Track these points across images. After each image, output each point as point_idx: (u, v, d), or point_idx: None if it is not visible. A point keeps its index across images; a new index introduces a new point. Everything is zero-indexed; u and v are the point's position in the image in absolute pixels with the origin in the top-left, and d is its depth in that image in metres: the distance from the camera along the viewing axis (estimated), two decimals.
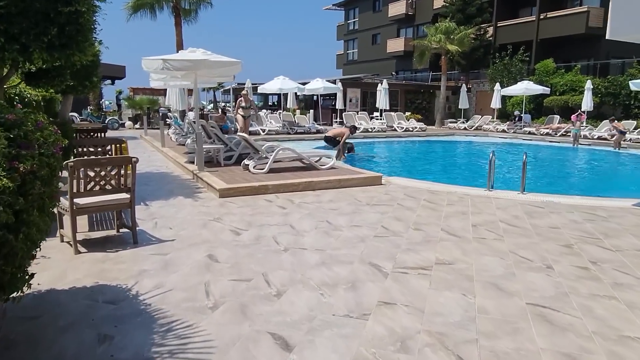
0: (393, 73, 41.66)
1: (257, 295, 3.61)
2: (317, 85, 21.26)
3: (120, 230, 5.25)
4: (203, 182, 8.24)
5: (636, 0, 6.16)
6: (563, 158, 15.74)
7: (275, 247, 4.85)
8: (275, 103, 46.46)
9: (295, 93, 23.18)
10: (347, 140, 13.06)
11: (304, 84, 21.75)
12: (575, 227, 5.75)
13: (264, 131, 19.73)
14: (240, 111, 15.17)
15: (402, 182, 9.02)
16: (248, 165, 8.97)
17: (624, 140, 16.93)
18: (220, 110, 22.27)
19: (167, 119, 19.28)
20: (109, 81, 29.19)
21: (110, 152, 6.44)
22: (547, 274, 4.12)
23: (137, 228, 5.03)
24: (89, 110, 25.47)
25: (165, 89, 18.59)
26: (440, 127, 27.70)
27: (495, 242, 5.08)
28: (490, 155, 8.20)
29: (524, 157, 7.95)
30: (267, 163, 8.87)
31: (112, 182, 4.71)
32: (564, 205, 7.09)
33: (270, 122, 22.15)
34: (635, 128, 18.67)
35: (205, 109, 33.24)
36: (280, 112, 23.82)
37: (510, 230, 5.57)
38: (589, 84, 21.46)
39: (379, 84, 25.91)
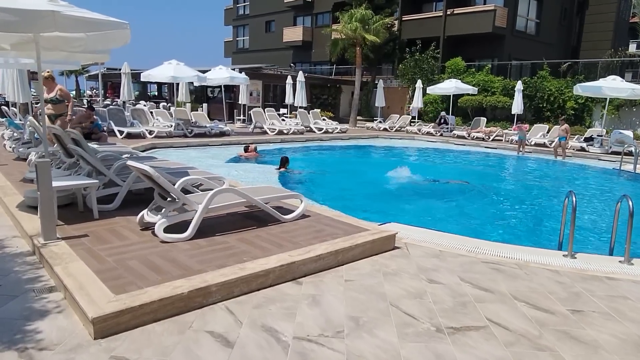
0: (292, 64, 38.13)
1: None
2: (221, 75, 16.76)
3: None
4: (54, 276, 3.79)
5: None
6: (540, 172, 13.51)
7: None
8: (156, 94, 40.22)
9: (192, 83, 18.36)
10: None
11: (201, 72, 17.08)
12: None
13: (151, 133, 14.73)
14: (48, 108, 8.45)
15: (418, 236, 5.52)
16: (150, 223, 4.65)
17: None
18: (86, 104, 16.68)
19: (3, 116, 13.33)
20: None
21: None
22: None
23: None
24: None
25: None
26: (355, 126, 24.88)
27: None
28: (573, 198, 5.05)
29: (630, 204, 4.90)
30: (191, 219, 4.66)
31: None
32: None
33: (157, 119, 17.12)
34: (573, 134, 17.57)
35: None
36: (169, 107, 18.81)
37: None
38: (519, 85, 20.27)
39: (289, 77, 22.15)
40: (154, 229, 4.61)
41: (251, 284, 3.81)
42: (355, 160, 15.21)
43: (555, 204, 8.72)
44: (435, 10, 30.75)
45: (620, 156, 12.72)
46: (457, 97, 24.64)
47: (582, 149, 15.64)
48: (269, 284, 3.94)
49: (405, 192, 9.29)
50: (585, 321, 3.54)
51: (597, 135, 15.71)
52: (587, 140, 16.19)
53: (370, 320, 3.42)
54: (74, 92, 42.44)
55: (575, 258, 5.00)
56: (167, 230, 4.55)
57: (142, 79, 14.95)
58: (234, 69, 20.98)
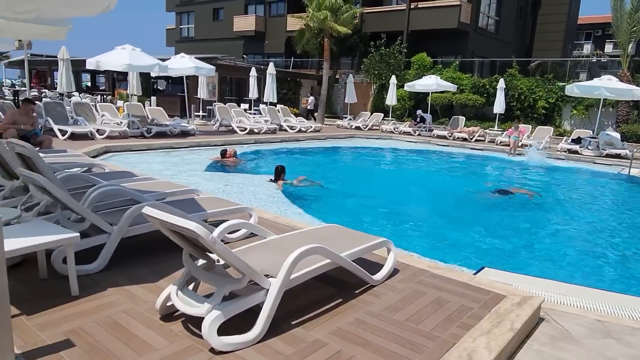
0: (244, 56, 35.64)
1: None
2: (185, 64, 14.37)
3: None
4: None
5: None
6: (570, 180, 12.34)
7: None
8: (89, 85, 36.00)
9: (148, 74, 15.73)
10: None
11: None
12: None
13: (101, 133, 12.07)
14: None
15: (542, 293, 3.95)
16: (184, 311, 2.68)
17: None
18: (12, 97, 13.70)
19: None
20: None
21: None
22: None
23: None
24: None
25: None
26: (323, 124, 23.17)
27: None
28: None
29: None
30: (256, 305, 2.74)
31: None
32: None
33: (104, 115, 14.40)
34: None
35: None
36: (114, 101, 16.06)
37: None
38: (501, 83, 19.44)
39: (252, 69, 19.98)
40: (183, 316, 2.66)
41: None
42: (353, 165, 13.55)
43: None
44: (398, 3, 29.73)
45: (630, 161, 12.00)
46: (426, 94, 23.67)
47: (575, 152, 14.97)
48: None
49: (441, 208, 7.76)
50: None
51: (589, 137, 15.11)
52: (574, 141, 15.59)
53: None
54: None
55: None
56: (226, 338, 2.60)
57: (88, 67, 12.25)
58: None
